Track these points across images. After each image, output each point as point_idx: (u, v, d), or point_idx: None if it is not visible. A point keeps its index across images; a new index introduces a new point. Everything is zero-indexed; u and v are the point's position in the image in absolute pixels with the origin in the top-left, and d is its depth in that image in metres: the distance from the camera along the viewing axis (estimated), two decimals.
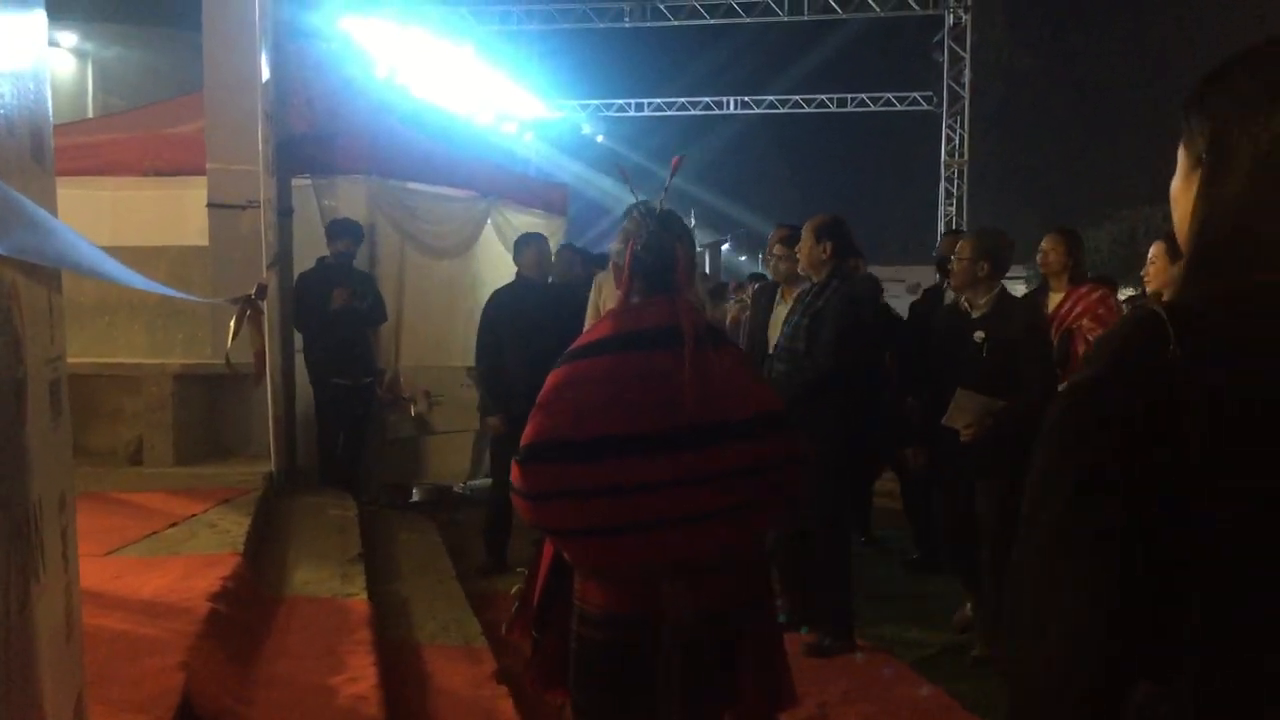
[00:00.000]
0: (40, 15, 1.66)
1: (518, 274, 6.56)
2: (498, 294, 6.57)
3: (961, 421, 4.59)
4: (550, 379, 2.54)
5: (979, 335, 4.65)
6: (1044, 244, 5.49)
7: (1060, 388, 4.96)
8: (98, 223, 7.03)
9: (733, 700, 2.64)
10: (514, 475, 2.50)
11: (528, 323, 6.11)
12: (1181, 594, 1.04)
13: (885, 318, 6.38)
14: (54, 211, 1.60)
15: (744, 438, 2.49)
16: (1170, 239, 4.63)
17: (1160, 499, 1.03)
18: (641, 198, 2.74)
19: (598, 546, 2.52)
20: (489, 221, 8.83)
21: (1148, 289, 4.95)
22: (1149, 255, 4.86)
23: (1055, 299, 5.39)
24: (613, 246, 2.73)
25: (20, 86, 1.47)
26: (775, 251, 5.59)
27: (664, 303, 2.55)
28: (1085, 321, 5.21)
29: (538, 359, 3.47)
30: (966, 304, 4.79)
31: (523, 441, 2.48)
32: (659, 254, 2.58)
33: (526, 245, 6.63)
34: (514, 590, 3.02)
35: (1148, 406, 1.05)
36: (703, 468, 2.44)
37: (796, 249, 5.17)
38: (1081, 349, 5.12)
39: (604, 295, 5.65)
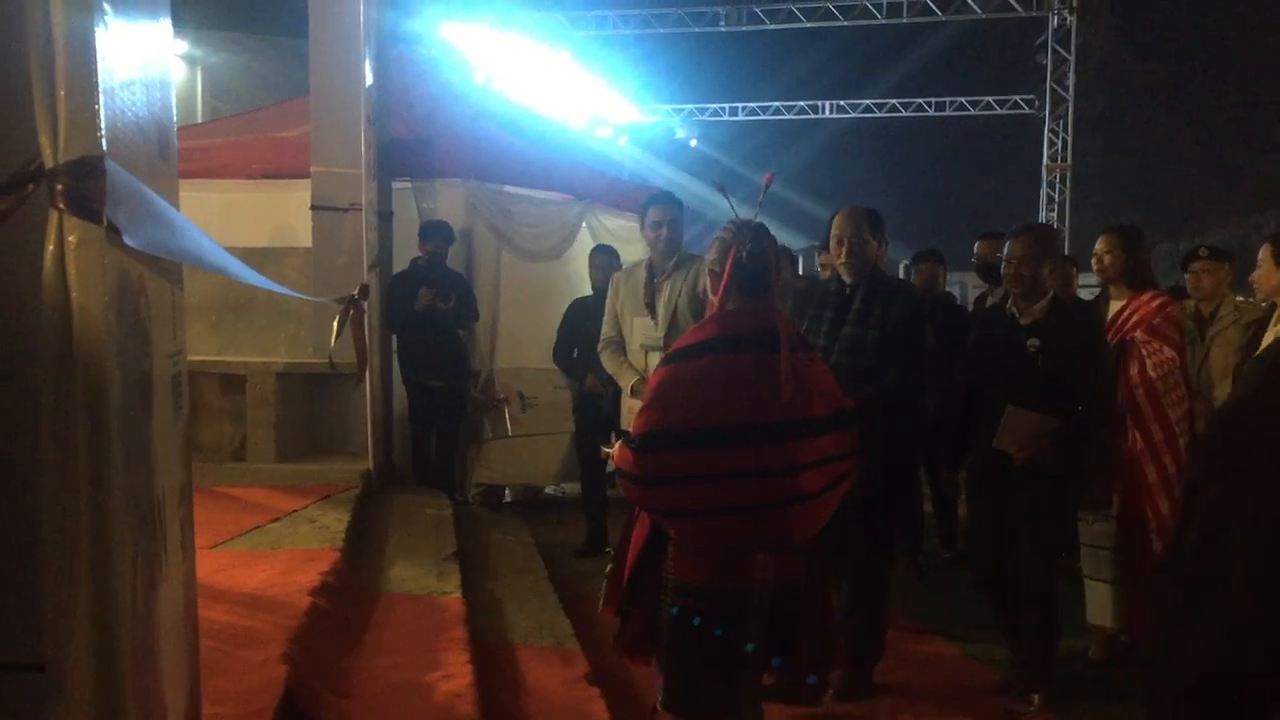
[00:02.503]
0: (166, 24, 1.73)
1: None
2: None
3: (1013, 443, 4.12)
4: (658, 376, 2.84)
5: (1034, 343, 4.15)
6: (1098, 245, 4.84)
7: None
8: (208, 224, 7.17)
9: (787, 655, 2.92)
10: (626, 462, 2.77)
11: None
12: None
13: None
14: (177, 207, 1.66)
15: (826, 431, 2.82)
16: (1276, 240, 4.33)
17: None
18: (739, 213, 3.00)
19: (701, 526, 2.81)
20: (584, 225, 8.88)
21: (1257, 295, 4.57)
22: (1258, 258, 4.35)
23: (1115, 307, 4.77)
24: (708, 255, 3.00)
25: (150, 90, 1.53)
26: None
27: (760, 309, 2.84)
28: (1139, 334, 4.62)
29: None
30: (1014, 309, 4.28)
31: (635, 432, 2.77)
32: (760, 262, 2.86)
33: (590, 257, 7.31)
34: (607, 570, 3.34)
35: None
36: (795, 457, 2.74)
37: (825, 251, 4.65)
38: (1135, 366, 4.60)
39: (621, 296, 5.55)
